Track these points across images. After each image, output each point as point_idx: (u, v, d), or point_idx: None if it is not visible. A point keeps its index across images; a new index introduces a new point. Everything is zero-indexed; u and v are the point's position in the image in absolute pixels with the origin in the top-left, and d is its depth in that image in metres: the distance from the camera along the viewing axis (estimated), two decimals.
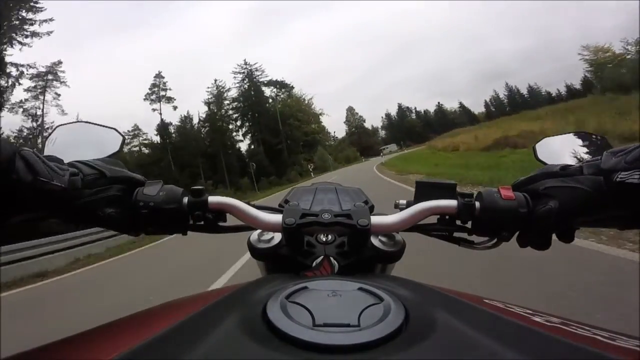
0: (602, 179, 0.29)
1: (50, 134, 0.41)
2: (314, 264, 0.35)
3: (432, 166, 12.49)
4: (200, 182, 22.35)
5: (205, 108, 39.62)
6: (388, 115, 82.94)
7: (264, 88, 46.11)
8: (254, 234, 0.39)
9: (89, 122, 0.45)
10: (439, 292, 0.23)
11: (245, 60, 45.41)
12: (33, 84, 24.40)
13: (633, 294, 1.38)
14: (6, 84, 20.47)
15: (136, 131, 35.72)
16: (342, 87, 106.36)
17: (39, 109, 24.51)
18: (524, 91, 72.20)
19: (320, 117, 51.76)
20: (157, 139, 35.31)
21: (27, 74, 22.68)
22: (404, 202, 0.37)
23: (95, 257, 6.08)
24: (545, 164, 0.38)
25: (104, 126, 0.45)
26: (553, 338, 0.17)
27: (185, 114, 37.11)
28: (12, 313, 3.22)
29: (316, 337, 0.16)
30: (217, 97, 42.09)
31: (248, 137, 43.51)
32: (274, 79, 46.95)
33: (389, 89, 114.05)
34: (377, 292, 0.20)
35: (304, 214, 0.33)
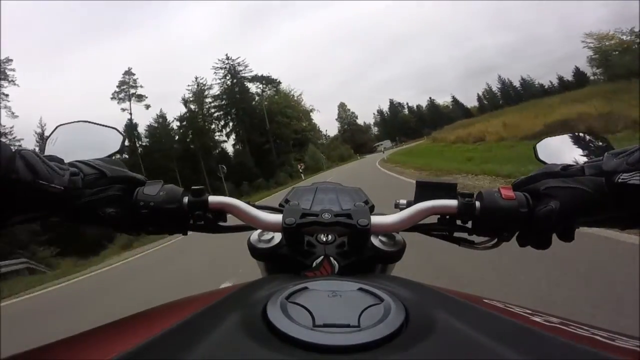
0: (604, 180, 0.29)
1: (50, 134, 0.41)
2: (314, 264, 0.35)
3: (465, 162, 9.39)
4: None
5: (183, 108, 36.34)
6: (380, 112, 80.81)
7: (248, 84, 43.05)
8: (254, 234, 0.39)
9: (90, 122, 0.45)
10: (439, 292, 0.24)
11: (227, 54, 41.90)
12: None
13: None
14: None
15: None
16: (332, 87, 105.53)
17: None
18: (516, 84, 70.75)
19: (311, 114, 48.54)
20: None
21: None
22: (404, 201, 0.38)
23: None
24: (545, 163, 0.38)
25: (104, 125, 0.45)
26: (553, 338, 0.17)
27: (159, 113, 33.26)
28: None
29: (316, 338, 0.16)
30: (198, 95, 38.52)
31: (232, 137, 40.13)
32: (259, 74, 43.48)
33: (379, 87, 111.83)
34: (377, 292, 0.20)
35: (304, 214, 0.33)
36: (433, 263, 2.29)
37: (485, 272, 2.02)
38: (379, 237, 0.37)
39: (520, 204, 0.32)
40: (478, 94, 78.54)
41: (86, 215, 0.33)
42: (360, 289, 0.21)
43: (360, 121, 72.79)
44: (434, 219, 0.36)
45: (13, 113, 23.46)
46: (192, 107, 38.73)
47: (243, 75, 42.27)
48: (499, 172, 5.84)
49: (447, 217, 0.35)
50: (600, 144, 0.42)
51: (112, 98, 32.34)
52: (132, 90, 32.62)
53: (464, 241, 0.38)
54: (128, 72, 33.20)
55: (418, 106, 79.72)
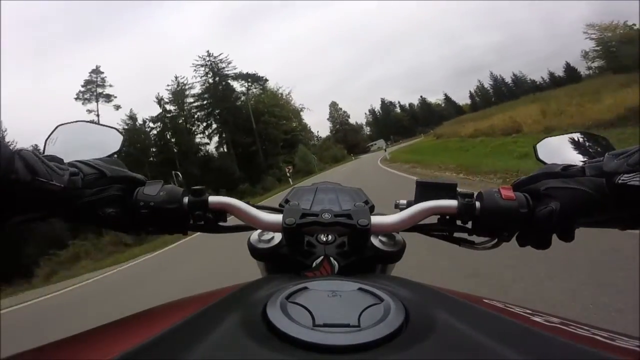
0: (604, 181, 0.29)
1: (50, 134, 0.41)
2: (314, 264, 0.35)
3: (521, 157, 6.72)
4: None
5: (158, 108, 32.73)
6: (372, 111, 78.85)
7: (232, 82, 39.57)
8: (254, 234, 0.39)
9: (90, 122, 0.46)
10: (439, 292, 0.23)
11: (208, 51, 38.61)
12: None
13: None
14: None
15: None
16: (323, 88, 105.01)
17: None
18: (508, 80, 70.04)
19: (301, 113, 45.58)
20: None
21: None
22: (404, 202, 0.38)
23: None
24: (545, 163, 0.38)
25: (104, 125, 0.46)
26: (553, 338, 0.17)
27: (128, 114, 29.70)
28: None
29: (316, 338, 0.16)
30: (177, 95, 35.13)
31: (216, 139, 36.76)
32: (244, 72, 40.35)
33: (370, 87, 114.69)
34: (377, 292, 0.20)
35: (304, 214, 0.33)
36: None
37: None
38: (379, 237, 0.37)
39: (521, 205, 0.32)
40: (470, 91, 78.44)
41: (86, 215, 0.33)
42: (360, 289, 0.21)
43: (352, 121, 70.93)
44: (434, 219, 0.36)
45: None
46: (172, 107, 35.56)
47: (226, 72, 39.09)
48: None
49: (447, 217, 0.35)
50: (601, 143, 0.42)
51: (76, 98, 28.64)
52: (100, 90, 29.03)
53: (464, 241, 0.38)
54: (96, 71, 29.59)
55: (410, 104, 78.49)
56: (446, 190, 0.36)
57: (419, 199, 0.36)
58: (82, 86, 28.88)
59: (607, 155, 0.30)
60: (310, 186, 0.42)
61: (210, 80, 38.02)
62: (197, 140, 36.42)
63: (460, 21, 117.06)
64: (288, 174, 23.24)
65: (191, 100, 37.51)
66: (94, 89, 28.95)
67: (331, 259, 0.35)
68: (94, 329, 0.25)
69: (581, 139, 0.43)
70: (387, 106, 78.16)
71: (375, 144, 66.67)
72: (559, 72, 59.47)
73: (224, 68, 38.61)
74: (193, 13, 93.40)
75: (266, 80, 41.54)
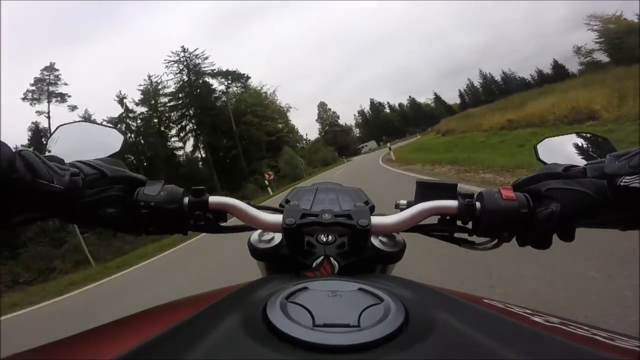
0: (606, 183, 0.29)
1: (51, 134, 0.41)
2: (314, 264, 0.34)
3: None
4: None
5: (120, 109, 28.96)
6: (361, 112, 76.37)
7: (211, 81, 36.09)
8: (255, 234, 0.39)
9: (90, 122, 0.47)
10: (439, 292, 0.23)
11: (183, 46, 35.19)
12: None
13: None
14: None
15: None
16: (310, 92, 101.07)
17: None
18: (497, 78, 69.42)
19: (287, 113, 42.40)
20: None
21: None
22: (405, 202, 0.37)
23: None
24: (545, 163, 0.38)
25: (105, 125, 0.46)
26: (552, 338, 0.17)
27: (83, 114, 25.73)
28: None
29: (316, 338, 0.16)
30: (148, 94, 31.55)
31: (190, 141, 33.19)
32: (223, 69, 37.03)
33: (358, 90, 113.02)
34: (377, 292, 0.20)
35: (304, 214, 0.33)
36: None
37: None
38: (379, 237, 0.37)
39: (521, 205, 0.32)
40: (460, 90, 77.78)
41: (87, 216, 0.33)
42: (360, 289, 0.21)
43: (341, 123, 67.90)
44: (434, 220, 0.36)
45: None
46: (144, 109, 31.85)
47: (203, 69, 35.67)
48: None
49: (448, 217, 0.35)
50: (602, 144, 0.42)
51: (23, 99, 24.62)
52: (52, 88, 25.11)
53: (464, 242, 0.38)
54: (49, 68, 25.45)
55: (400, 104, 76.64)
56: (446, 190, 0.36)
57: (419, 199, 0.36)
58: (31, 85, 24.91)
59: (609, 157, 0.30)
60: (311, 186, 0.42)
61: (185, 78, 34.63)
62: (173, 144, 32.88)
63: (446, 22, 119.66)
64: (267, 182, 18.72)
65: (165, 100, 34.00)
66: (44, 87, 25.03)
67: (331, 259, 0.35)
68: (94, 329, 0.25)
69: (582, 139, 0.43)
70: (376, 107, 75.93)
71: (367, 146, 64.20)
72: (545, 69, 59.71)
73: (199, 64, 35.23)
74: (179, 13, 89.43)
75: (248, 77, 38.19)
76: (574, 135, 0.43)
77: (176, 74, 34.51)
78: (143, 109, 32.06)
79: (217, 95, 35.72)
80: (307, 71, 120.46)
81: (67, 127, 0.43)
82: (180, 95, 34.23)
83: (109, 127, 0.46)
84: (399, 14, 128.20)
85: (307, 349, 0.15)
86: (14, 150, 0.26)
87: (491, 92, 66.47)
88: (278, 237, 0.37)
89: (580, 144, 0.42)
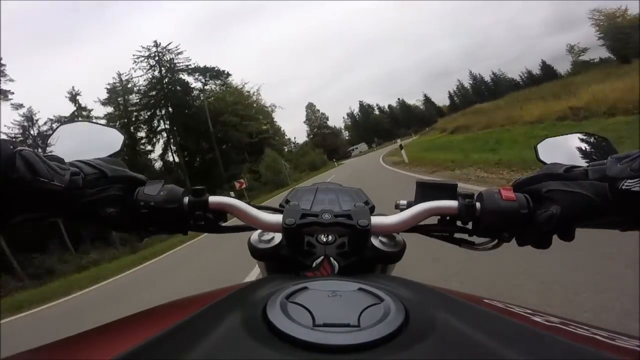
0: (607, 186, 0.29)
1: (52, 134, 0.41)
2: (314, 264, 0.34)
3: None
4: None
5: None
6: (351, 115, 74.13)
7: (187, 77, 32.56)
8: (255, 234, 0.39)
9: (91, 122, 0.47)
10: (439, 292, 0.23)
11: (155, 41, 31.52)
12: None
13: None
14: None
15: None
16: (299, 95, 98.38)
17: None
18: (486, 79, 68.99)
19: (273, 114, 39.10)
20: None
21: None
22: (405, 202, 0.38)
23: None
24: (545, 164, 0.38)
25: (105, 125, 0.46)
26: (553, 338, 0.17)
27: (24, 113, 21.71)
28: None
29: (316, 337, 0.16)
30: (114, 93, 27.76)
31: (161, 143, 29.48)
32: (200, 65, 33.55)
33: (346, 94, 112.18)
34: (377, 292, 0.20)
35: (304, 214, 0.33)
36: None
37: None
38: (379, 237, 0.37)
39: (521, 206, 0.32)
40: (449, 92, 77.09)
41: (87, 215, 0.33)
42: (360, 289, 0.21)
43: (330, 125, 65.12)
44: (434, 220, 0.36)
45: None
46: (110, 108, 28.07)
47: (178, 66, 32.10)
48: None
49: (448, 218, 0.35)
50: (603, 145, 0.42)
51: None
52: None
53: (464, 242, 0.38)
54: None
55: (390, 106, 74.91)
56: (446, 190, 0.36)
57: (419, 199, 0.36)
58: None
59: (610, 159, 0.30)
60: (311, 186, 0.42)
61: (157, 75, 30.97)
62: (144, 147, 29.08)
63: (433, 26, 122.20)
64: (232, 195, 14.39)
65: (136, 99, 30.28)
66: None
67: (331, 259, 0.35)
68: (94, 329, 0.25)
69: (582, 140, 0.43)
70: (365, 109, 74.22)
71: (357, 148, 61.84)
72: (529, 72, 60.98)
73: (173, 59, 31.63)
74: (165, 15, 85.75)
75: (228, 74, 34.96)
76: (574, 136, 0.43)
77: (147, 70, 30.87)
78: (109, 109, 28.27)
79: (194, 93, 32.35)
80: (295, 74, 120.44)
81: (67, 127, 0.43)
82: (151, 93, 30.53)
83: (109, 127, 0.46)
84: (387, 19, 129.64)
85: (307, 348, 0.15)
86: (14, 150, 0.26)
87: (481, 93, 65.82)
88: (278, 237, 0.37)
89: (580, 145, 0.42)
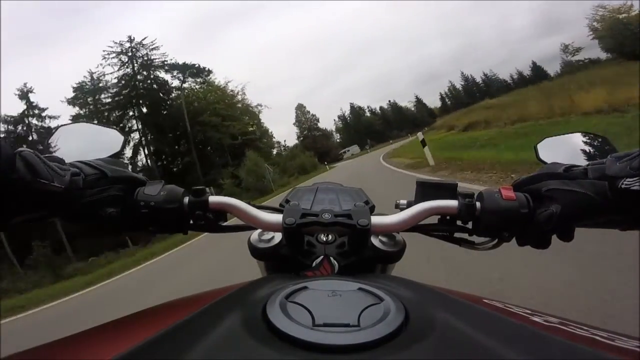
0: (607, 185, 0.29)
1: (52, 134, 0.41)
2: (314, 264, 0.34)
3: None
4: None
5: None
6: (342, 117, 72.13)
7: (165, 75, 29.60)
8: (255, 234, 0.38)
9: (91, 123, 0.48)
10: (439, 292, 0.23)
11: (130, 36, 28.61)
12: None
13: None
14: None
15: None
16: (289, 98, 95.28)
17: None
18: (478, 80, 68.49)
19: (260, 115, 36.27)
20: None
21: None
22: (405, 202, 0.38)
23: None
24: (545, 163, 0.38)
25: (105, 126, 0.46)
26: (552, 338, 0.17)
27: None
28: None
29: (316, 337, 0.16)
30: (80, 91, 24.69)
31: (131, 145, 26.33)
32: (179, 62, 30.65)
33: (337, 96, 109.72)
34: (377, 292, 0.20)
35: (304, 214, 0.33)
36: None
37: None
38: (379, 237, 0.37)
39: (521, 205, 0.32)
40: (440, 93, 76.24)
41: (87, 216, 0.33)
42: (360, 289, 0.21)
43: (321, 127, 62.68)
44: (434, 219, 0.36)
45: None
46: (77, 109, 24.97)
47: (154, 62, 29.08)
48: None
49: (448, 217, 0.35)
50: (603, 144, 0.42)
51: None
52: None
53: (464, 242, 0.37)
54: None
55: (381, 107, 73.44)
56: (447, 190, 0.36)
57: (419, 199, 0.36)
58: None
59: (610, 158, 0.30)
60: (311, 186, 0.42)
61: (130, 72, 27.95)
62: None
63: (423, 29, 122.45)
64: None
65: (108, 98, 27.19)
66: None
67: (331, 258, 0.34)
68: (94, 329, 0.25)
69: (582, 139, 0.43)
70: (356, 110, 72.44)
71: (349, 150, 59.65)
72: (519, 73, 61.71)
73: (146, 54, 28.63)
74: (155, 18, 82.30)
75: (209, 72, 32.16)
76: (574, 135, 0.44)
77: (119, 67, 27.76)
78: (75, 109, 25.20)
79: (173, 93, 29.66)
80: (285, 77, 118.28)
81: (67, 128, 0.43)
82: (123, 92, 27.44)
83: (110, 127, 0.46)
84: (377, 21, 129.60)
85: (307, 348, 0.15)
86: (14, 150, 0.26)
87: (472, 94, 65.03)
88: (278, 236, 0.37)
89: (580, 144, 0.42)
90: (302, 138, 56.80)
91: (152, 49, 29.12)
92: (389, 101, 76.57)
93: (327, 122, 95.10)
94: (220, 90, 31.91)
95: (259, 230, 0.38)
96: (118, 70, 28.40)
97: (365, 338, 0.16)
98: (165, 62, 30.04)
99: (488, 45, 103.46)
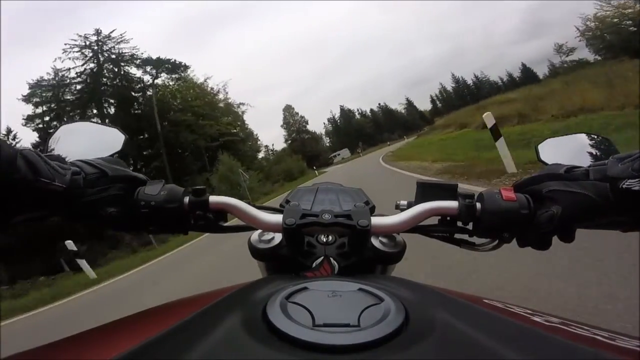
0: (608, 186, 0.29)
1: (53, 134, 0.41)
2: (314, 264, 0.34)
3: None
4: None
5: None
6: (332, 120, 70.03)
7: (133, 70, 26.52)
8: (255, 234, 0.38)
9: (92, 122, 0.48)
10: (439, 292, 0.23)
11: (97, 29, 25.51)
12: None
13: None
14: None
15: None
16: (278, 101, 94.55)
17: None
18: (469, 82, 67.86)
19: (243, 114, 33.40)
20: None
21: None
22: (405, 202, 0.38)
23: None
24: (546, 164, 0.38)
25: (106, 125, 0.46)
26: (553, 338, 0.17)
27: None
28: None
29: (316, 337, 0.16)
30: (37, 89, 21.72)
31: None
32: (153, 57, 27.60)
33: (327, 100, 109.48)
34: (377, 292, 0.20)
35: (304, 214, 0.32)
36: None
37: None
38: (379, 238, 0.37)
39: (522, 206, 0.32)
40: (431, 96, 75.26)
41: (87, 215, 0.33)
42: (360, 289, 0.21)
43: (310, 130, 60.18)
44: (434, 220, 0.36)
45: None
46: (38, 109, 23.73)
47: (124, 57, 25.90)
48: None
49: (448, 218, 0.35)
50: (604, 145, 0.42)
51: None
52: None
53: (464, 242, 0.37)
54: None
55: (372, 110, 71.68)
56: (447, 191, 0.36)
57: (419, 199, 0.36)
58: None
59: (611, 159, 0.30)
60: (311, 186, 0.42)
61: (94, 67, 24.82)
62: None
63: (412, 34, 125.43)
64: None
65: (69, 96, 23.87)
66: None
67: (331, 259, 0.34)
68: (94, 329, 0.25)
69: (583, 140, 0.43)
70: (347, 113, 70.67)
71: (339, 154, 57.50)
72: (509, 75, 62.59)
73: (112, 48, 25.49)
74: (144, 19, 78.40)
75: (186, 67, 29.15)
76: (575, 136, 0.44)
77: (84, 62, 24.51)
78: (39, 109, 21.93)
79: (146, 90, 26.32)
80: (274, 80, 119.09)
81: (68, 127, 0.43)
82: (86, 89, 24.16)
83: (111, 126, 0.46)
84: (367, 25, 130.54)
85: (307, 348, 0.15)
86: (15, 150, 0.26)
87: (464, 96, 64.08)
88: (278, 237, 0.37)
89: (582, 145, 0.42)
90: (290, 141, 54.22)
91: (120, 42, 26.01)
92: (379, 104, 75.29)
93: (317, 125, 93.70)
94: (198, 87, 28.96)
95: (259, 231, 0.37)
96: (82, 65, 25.23)
97: (366, 338, 0.16)
98: (135, 56, 26.94)
99: (476, 48, 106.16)
